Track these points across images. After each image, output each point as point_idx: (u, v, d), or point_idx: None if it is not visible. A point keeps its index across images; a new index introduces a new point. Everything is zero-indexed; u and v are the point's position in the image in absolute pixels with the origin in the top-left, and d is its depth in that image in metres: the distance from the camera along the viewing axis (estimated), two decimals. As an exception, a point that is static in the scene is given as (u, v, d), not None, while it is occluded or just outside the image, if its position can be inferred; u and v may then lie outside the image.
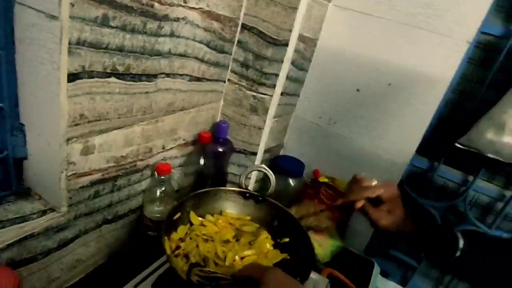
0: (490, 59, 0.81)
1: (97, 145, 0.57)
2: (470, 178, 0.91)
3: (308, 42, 0.87)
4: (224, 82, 0.87)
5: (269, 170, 0.72)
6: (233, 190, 0.72)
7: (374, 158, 0.91)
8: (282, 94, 0.86)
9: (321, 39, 0.90)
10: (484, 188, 0.90)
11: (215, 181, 0.88)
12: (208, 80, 0.80)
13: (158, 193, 0.73)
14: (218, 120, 0.92)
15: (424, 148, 0.90)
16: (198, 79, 0.77)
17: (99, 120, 0.55)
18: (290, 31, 0.77)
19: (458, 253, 0.58)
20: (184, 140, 0.82)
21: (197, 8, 0.66)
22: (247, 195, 0.72)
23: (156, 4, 0.57)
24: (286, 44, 0.78)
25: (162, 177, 0.72)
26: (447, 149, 0.87)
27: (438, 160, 0.92)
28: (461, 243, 0.58)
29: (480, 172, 0.88)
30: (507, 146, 0.74)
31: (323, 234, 0.89)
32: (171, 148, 0.78)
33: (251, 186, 0.96)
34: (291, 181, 0.96)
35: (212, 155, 0.87)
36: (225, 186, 0.92)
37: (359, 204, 0.61)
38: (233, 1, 0.76)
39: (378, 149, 0.90)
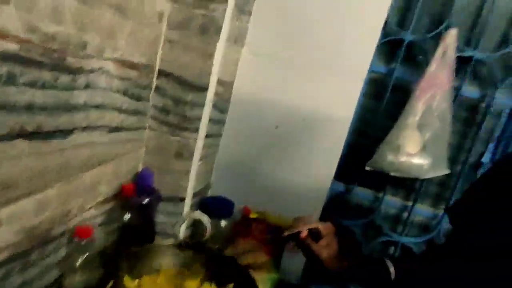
0: (381, 93, 0.96)
1: (4, 218, 0.48)
2: (380, 195, 1.03)
3: (226, 85, 0.91)
4: (145, 129, 0.84)
5: (204, 215, 0.71)
6: (168, 244, 0.68)
7: (298, 188, 0.97)
8: (206, 136, 0.87)
9: (237, 81, 0.95)
10: (391, 202, 1.04)
11: (144, 235, 0.82)
12: (127, 129, 0.76)
13: (79, 261, 0.64)
14: (140, 169, 0.87)
15: (340, 174, 0.99)
16: (117, 129, 0.73)
17: (6, 188, 0.48)
18: (209, 76, 0.79)
19: (391, 279, 0.64)
20: (105, 196, 0.75)
21: (113, 59, 0.64)
22: (183, 246, 0.69)
23: (69, 58, 0.53)
24: (206, 89, 0.80)
25: (83, 242, 0.64)
26: (359, 172, 0.98)
27: (353, 183, 1.03)
28: (391, 270, 0.64)
29: (387, 189, 1.01)
30: (403, 164, 0.88)
31: (260, 270, 0.90)
32: (91, 207, 0.71)
33: (182, 234, 0.91)
34: (222, 222, 0.95)
35: (138, 208, 0.81)
36: (155, 239, 0.87)
37: (304, 234, 0.66)
38: (149, 48, 0.75)
39: (301, 180, 0.97)
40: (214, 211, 0.94)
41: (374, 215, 1.02)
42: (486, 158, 0.96)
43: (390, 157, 0.87)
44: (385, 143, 0.88)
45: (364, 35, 0.85)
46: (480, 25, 0.91)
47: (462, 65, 0.88)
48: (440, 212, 1.03)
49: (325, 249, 0.66)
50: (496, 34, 0.93)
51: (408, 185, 1.02)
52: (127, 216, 0.79)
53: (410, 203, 1.02)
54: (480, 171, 0.97)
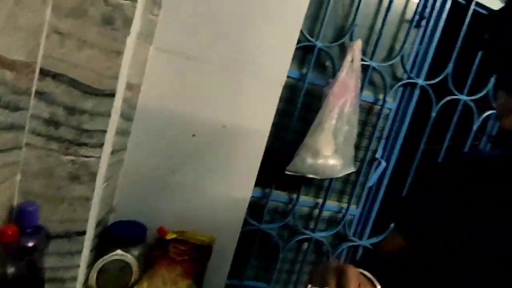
0: (294, 97, 0.97)
1: None
2: (294, 196, 1.06)
3: (134, 89, 0.76)
4: (21, 149, 0.62)
5: (128, 254, 0.57)
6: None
7: (219, 200, 0.90)
8: (111, 152, 0.71)
9: (145, 84, 0.80)
10: (304, 201, 1.07)
11: (31, 289, 0.61)
12: (0, 152, 0.55)
13: None
14: (15, 203, 0.65)
15: (256, 179, 0.97)
16: (-16, 154, 0.51)
17: None
18: (116, 78, 0.64)
19: None
20: (-34, 249, 0.52)
21: (-20, 54, 0.44)
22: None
23: None
24: (113, 95, 0.65)
25: None
26: (275, 176, 0.98)
27: (269, 187, 1.02)
28: None
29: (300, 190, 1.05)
30: (320, 166, 0.91)
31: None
32: None
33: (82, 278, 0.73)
34: (135, 250, 0.80)
35: (21, 256, 0.60)
36: (44, 289, 0.66)
37: None
38: (28, 41, 0.55)
39: (222, 190, 0.89)
40: (123, 239, 0.78)
41: (289, 216, 1.04)
42: (378, 154, 1.10)
43: (309, 161, 0.89)
44: (304, 147, 0.90)
45: (282, 40, 0.84)
46: (373, 38, 1.02)
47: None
48: (344, 205, 1.13)
49: None
50: (385, 46, 1.06)
51: (317, 184, 1.08)
52: (10, 269, 0.58)
53: (320, 201, 1.08)
54: (375, 166, 1.11)
